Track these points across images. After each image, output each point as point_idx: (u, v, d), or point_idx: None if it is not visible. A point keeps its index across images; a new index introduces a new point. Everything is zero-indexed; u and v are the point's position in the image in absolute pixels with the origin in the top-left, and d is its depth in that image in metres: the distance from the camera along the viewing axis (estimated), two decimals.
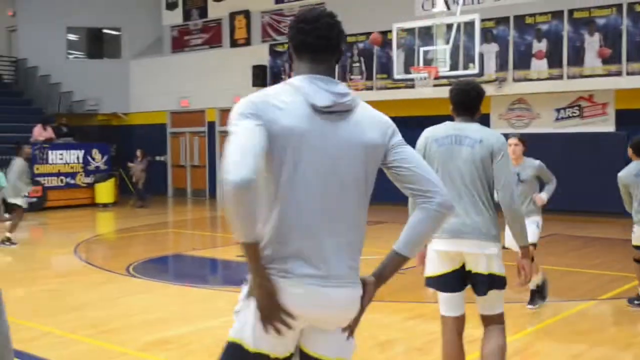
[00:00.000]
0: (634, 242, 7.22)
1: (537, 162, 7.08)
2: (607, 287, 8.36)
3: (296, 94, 2.35)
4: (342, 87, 2.41)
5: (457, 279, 4.09)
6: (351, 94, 2.41)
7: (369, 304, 2.46)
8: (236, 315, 2.42)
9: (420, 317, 6.87)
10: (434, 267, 4.14)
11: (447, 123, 4.15)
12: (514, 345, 6.00)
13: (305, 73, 2.41)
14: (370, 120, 2.43)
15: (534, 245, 6.67)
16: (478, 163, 3.96)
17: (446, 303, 4.14)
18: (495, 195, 4.06)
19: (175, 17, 23.79)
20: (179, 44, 23.68)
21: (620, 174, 7.16)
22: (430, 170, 2.47)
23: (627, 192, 7.13)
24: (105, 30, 25.05)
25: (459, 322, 4.14)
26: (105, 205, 19.62)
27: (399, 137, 2.49)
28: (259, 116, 2.28)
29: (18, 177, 12.20)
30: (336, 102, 2.35)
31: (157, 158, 22.52)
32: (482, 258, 4.00)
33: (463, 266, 4.11)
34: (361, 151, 2.38)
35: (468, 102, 4.12)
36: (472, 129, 4.05)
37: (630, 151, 7.26)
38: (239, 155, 2.16)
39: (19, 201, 12.22)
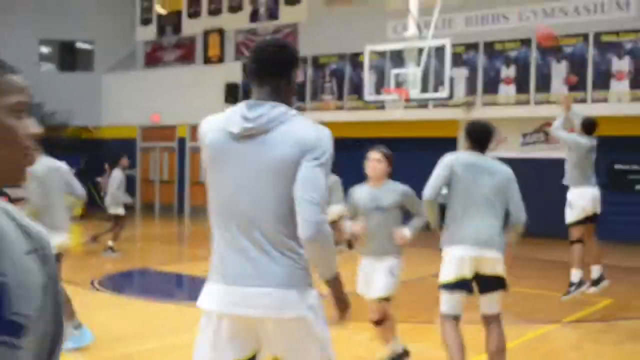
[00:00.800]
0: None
1: (403, 187, 5.49)
2: (569, 310, 8.48)
3: (223, 122, 2.72)
4: (262, 110, 2.65)
5: (471, 283, 4.90)
6: (268, 116, 2.63)
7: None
8: None
9: None
10: (456, 271, 4.85)
11: (467, 153, 5.02)
12: None
13: (253, 96, 2.75)
14: (286, 138, 2.61)
15: (387, 299, 5.38)
16: (495, 189, 4.83)
17: (458, 304, 4.91)
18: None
19: (149, 32, 23.79)
20: (152, 59, 23.66)
21: None
22: (303, 199, 2.56)
23: None
24: (78, 44, 24.94)
25: (459, 321, 4.94)
26: (72, 219, 19.41)
27: (312, 155, 2.59)
28: (201, 142, 2.76)
29: (117, 187, 12.90)
30: (246, 127, 2.63)
31: (126, 172, 22.38)
32: (499, 263, 4.86)
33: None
34: (270, 167, 2.61)
35: (483, 138, 5.01)
36: (487, 161, 4.95)
37: None
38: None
39: (119, 211, 12.92)
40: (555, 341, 7.33)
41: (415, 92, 12.95)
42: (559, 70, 15.41)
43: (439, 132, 16.25)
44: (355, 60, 17.80)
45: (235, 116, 2.67)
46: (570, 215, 8.05)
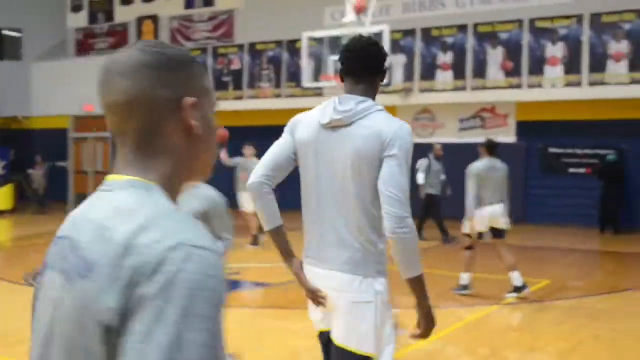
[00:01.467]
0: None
1: (213, 194, 4.26)
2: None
3: (318, 115, 2.89)
4: (348, 105, 2.79)
5: None
6: (354, 110, 2.78)
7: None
8: None
9: None
10: None
11: None
12: (423, 351, 6.10)
13: (346, 89, 2.91)
14: (365, 132, 2.74)
15: None
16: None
17: None
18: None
19: (80, 19, 23.13)
20: (84, 47, 23.02)
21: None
22: (384, 194, 2.67)
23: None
24: (4, 32, 24.05)
25: None
26: (1, 213, 18.79)
27: (392, 151, 2.70)
28: (292, 131, 2.93)
29: None
30: (333, 118, 2.80)
31: (58, 163, 21.76)
32: None
33: None
34: (348, 158, 2.75)
35: None
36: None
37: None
38: (258, 165, 2.93)
39: None
40: (495, 323, 7.43)
41: None
42: (495, 56, 15.63)
43: None
44: (292, 47, 17.66)
45: (328, 108, 2.83)
46: (464, 226, 8.35)
